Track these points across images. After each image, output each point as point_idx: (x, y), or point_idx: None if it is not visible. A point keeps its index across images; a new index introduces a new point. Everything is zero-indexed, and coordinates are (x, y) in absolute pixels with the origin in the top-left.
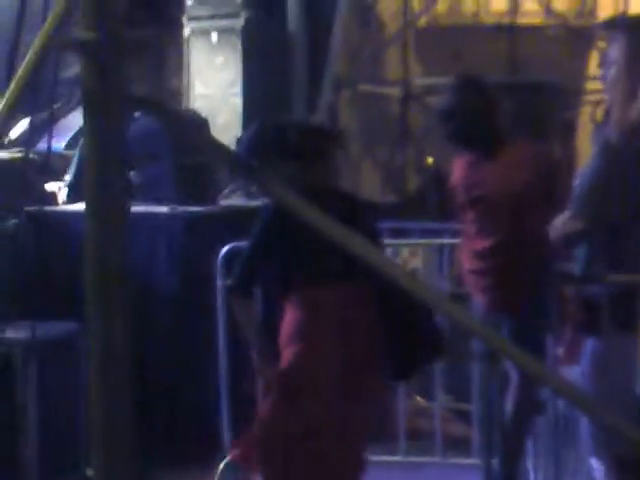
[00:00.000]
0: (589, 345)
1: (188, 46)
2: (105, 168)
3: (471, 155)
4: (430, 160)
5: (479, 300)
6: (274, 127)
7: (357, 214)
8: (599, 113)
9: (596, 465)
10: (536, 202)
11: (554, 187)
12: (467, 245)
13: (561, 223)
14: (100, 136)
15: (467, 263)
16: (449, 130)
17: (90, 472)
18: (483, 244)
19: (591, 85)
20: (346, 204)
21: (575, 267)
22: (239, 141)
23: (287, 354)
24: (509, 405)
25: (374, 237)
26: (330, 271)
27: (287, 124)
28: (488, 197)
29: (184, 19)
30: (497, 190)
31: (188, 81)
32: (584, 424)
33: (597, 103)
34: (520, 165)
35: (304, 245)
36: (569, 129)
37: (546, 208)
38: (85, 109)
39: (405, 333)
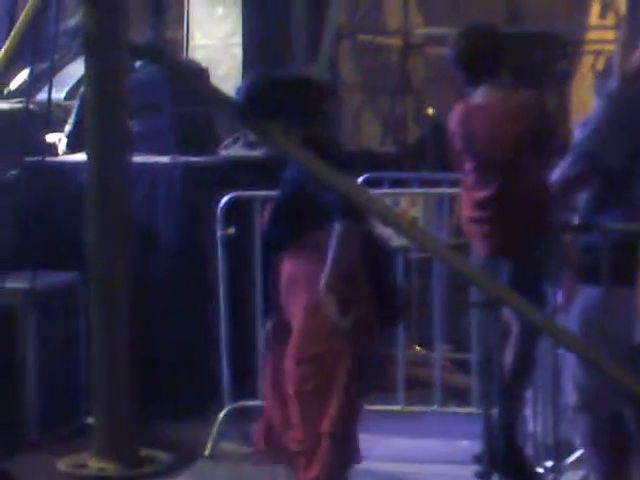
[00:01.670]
0: (585, 294)
1: None
2: (106, 114)
3: (468, 104)
4: (430, 111)
5: (479, 249)
6: (269, 81)
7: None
8: (600, 63)
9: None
10: (532, 150)
11: (549, 135)
12: (467, 194)
13: (560, 169)
14: (101, 83)
15: (467, 212)
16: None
17: (91, 420)
18: (482, 193)
19: (592, 35)
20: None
21: (576, 216)
22: (237, 93)
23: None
24: (509, 355)
25: None
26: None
27: (283, 77)
28: (484, 146)
29: None
30: (492, 139)
31: (188, 32)
32: (567, 375)
33: (598, 53)
34: (514, 114)
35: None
36: (566, 79)
37: (542, 156)
38: (86, 56)
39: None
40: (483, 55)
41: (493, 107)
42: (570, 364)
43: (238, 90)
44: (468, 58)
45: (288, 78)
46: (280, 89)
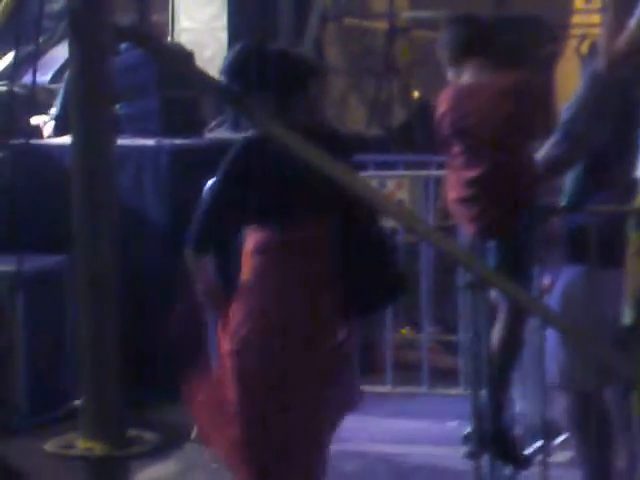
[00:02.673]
0: (568, 274)
1: None
2: (91, 99)
3: (457, 87)
4: (416, 94)
5: (467, 230)
6: (259, 51)
7: (336, 151)
8: (584, 46)
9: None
10: (521, 130)
11: (538, 115)
12: (455, 175)
13: (546, 150)
14: (86, 67)
15: (455, 193)
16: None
17: (78, 404)
18: (471, 173)
19: (577, 19)
20: (326, 140)
21: (562, 198)
22: (222, 72)
23: (250, 300)
24: (496, 335)
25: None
26: (303, 210)
27: (273, 50)
28: (474, 127)
29: None
30: (482, 119)
31: (173, 15)
32: (550, 355)
33: (583, 36)
34: (504, 94)
35: (277, 184)
36: (551, 63)
37: (531, 136)
38: (71, 39)
39: (366, 271)
40: (473, 38)
41: (483, 88)
42: (552, 343)
43: (223, 70)
44: (458, 41)
45: (279, 51)
46: (270, 61)
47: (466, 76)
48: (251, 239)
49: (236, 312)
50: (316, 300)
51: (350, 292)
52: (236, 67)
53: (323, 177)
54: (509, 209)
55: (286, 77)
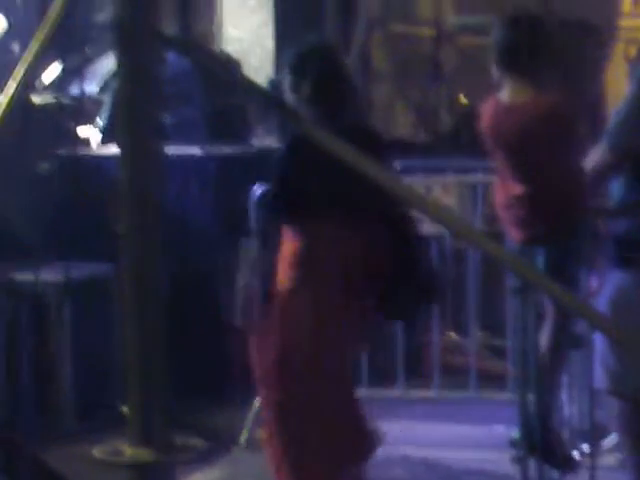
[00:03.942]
0: (614, 280)
1: None
2: (138, 108)
3: (498, 102)
4: (463, 99)
5: (513, 235)
6: (325, 52)
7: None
8: (632, 50)
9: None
10: (560, 152)
11: (577, 137)
12: (502, 184)
13: (593, 156)
14: (133, 76)
15: (502, 199)
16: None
17: (125, 410)
18: (516, 189)
19: (625, 22)
20: (365, 141)
21: (609, 202)
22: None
23: (283, 283)
24: (544, 339)
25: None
26: (341, 206)
27: (335, 55)
28: (513, 146)
29: None
30: (521, 140)
31: (220, 24)
32: (598, 359)
33: (631, 41)
34: (540, 120)
35: (319, 180)
36: (599, 67)
37: (573, 156)
38: (118, 48)
39: (401, 274)
40: (519, 47)
41: (522, 109)
42: (600, 348)
43: (286, 63)
44: (504, 48)
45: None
46: (332, 65)
47: (507, 90)
48: (286, 245)
49: (272, 320)
50: (347, 305)
51: (381, 296)
52: (301, 63)
53: (359, 180)
54: (556, 219)
55: (343, 84)
